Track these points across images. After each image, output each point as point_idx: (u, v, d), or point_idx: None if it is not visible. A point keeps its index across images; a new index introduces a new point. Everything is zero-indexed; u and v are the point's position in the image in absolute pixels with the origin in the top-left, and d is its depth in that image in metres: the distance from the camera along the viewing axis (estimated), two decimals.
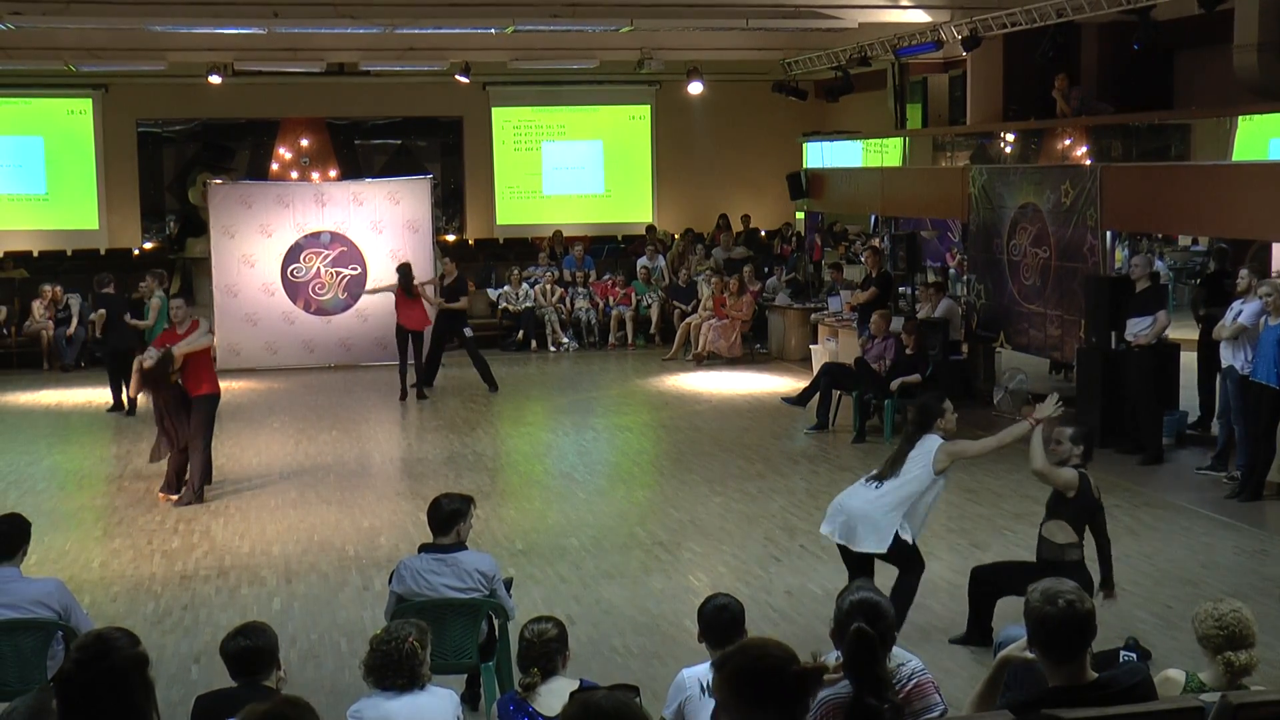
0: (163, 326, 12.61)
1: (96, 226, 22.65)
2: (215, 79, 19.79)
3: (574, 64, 20.39)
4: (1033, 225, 14.72)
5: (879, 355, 14.11)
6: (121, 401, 15.41)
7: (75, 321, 18.85)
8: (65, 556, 9.91)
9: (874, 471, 7.80)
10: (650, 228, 23.23)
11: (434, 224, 19.88)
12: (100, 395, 16.04)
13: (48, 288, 19.03)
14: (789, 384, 16.62)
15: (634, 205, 24.15)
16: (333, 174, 23.11)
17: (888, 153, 19.29)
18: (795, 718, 3.24)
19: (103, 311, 15.69)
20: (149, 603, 8.88)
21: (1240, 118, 12.45)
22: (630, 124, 24.18)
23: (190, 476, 11.40)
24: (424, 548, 6.76)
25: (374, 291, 17.44)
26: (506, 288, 20.65)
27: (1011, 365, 15.22)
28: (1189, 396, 13.35)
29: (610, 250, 22.98)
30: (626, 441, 14.33)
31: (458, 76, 20.51)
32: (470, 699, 6.87)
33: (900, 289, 17.09)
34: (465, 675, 6.99)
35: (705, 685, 5.03)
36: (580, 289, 20.89)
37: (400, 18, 15.69)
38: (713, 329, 18.70)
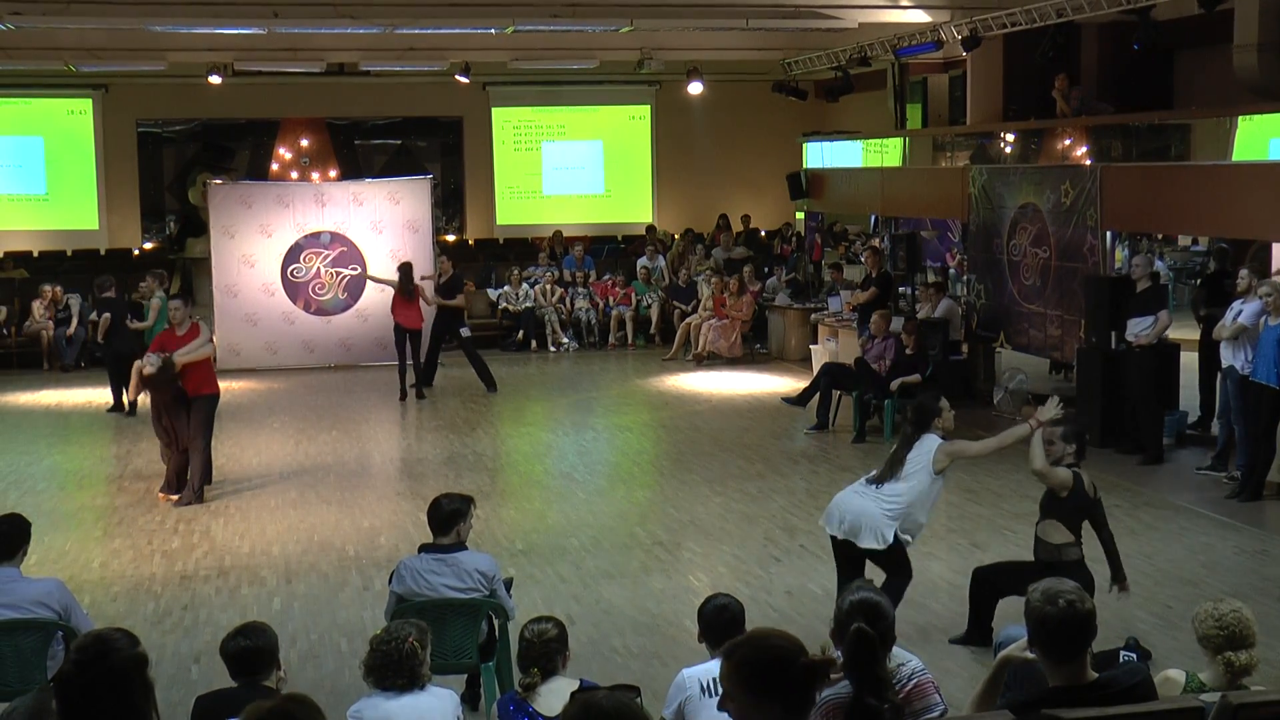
0: (162, 326, 12.58)
1: (96, 227, 22.66)
2: (215, 79, 19.79)
3: (574, 64, 20.39)
4: (1033, 225, 14.72)
5: (879, 355, 14.11)
6: (122, 403, 15.41)
7: (75, 322, 18.84)
8: (65, 556, 9.91)
9: (873, 473, 7.79)
10: (650, 228, 23.23)
11: (434, 224, 19.88)
12: (100, 395, 16.04)
13: (48, 288, 19.03)
14: (789, 384, 16.62)
15: (634, 205, 24.15)
16: (333, 174, 23.12)
17: (888, 153, 19.29)
18: (801, 711, 3.24)
19: (107, 316, 15.64)
20: (149, 603, 8.88)
21: (1240, 118, 12.46)
22: (630, 124, 24.19)
23: (190, 477, 11.40)
24: (424, 548, 6.76)
25: (376, 280, 17.32)
26: (506, 288, 20.65)
27: (1011, 365, 15.22)
28: (1189, 396, 13.36)
29: (610, 250, 22.98)
30: (626, 441, 14.33)
31: (458, 76, 20.51)
32: (470, 699, 6.87)
33: (900, 289, 17.10)
34: (465, 675, 6.99)
35: (705, 685, 5.03)
36: (580, 289, 20.89)
37: (400, 18, 15.69)
38: (713, 329, 18.70)
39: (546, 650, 5.26)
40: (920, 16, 15.91)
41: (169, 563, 9.76)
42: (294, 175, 22.83)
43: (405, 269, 16.46)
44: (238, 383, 17.20)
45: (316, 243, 18.94)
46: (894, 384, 13.57)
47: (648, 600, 8.78)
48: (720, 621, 5.35)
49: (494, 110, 23.56)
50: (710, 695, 4.99)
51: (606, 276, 21.35)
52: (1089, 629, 4.18)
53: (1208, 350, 12.62)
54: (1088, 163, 14.26)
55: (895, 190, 18.72)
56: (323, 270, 18.96)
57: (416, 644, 5.11)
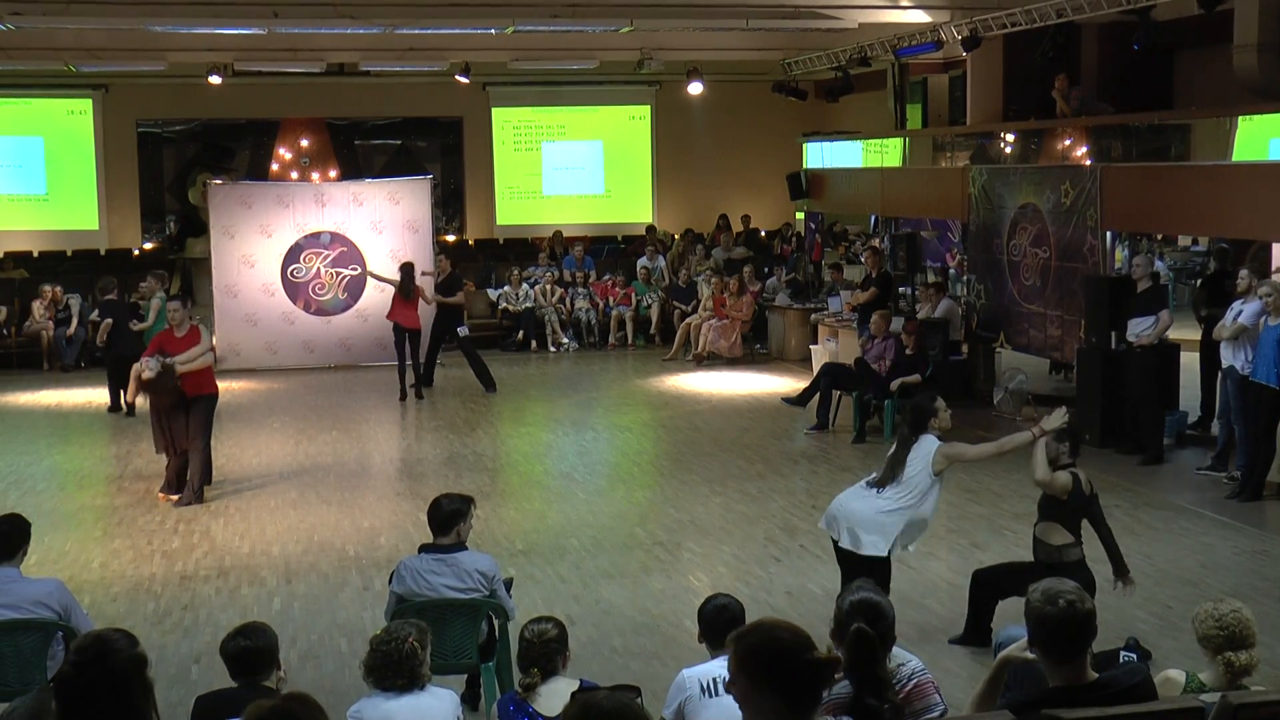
0: (161, 326, 12.55)
1: (96, 227, 22.66)
2: (215, 79, 19.79)
3: (574, 64, 20.39)
4: (1033, 225, 14.72)
5: (879, 355, 14.11)
6: (120, 404, 15.39)
7: (75, 322, 18.84)
8: (65, 557, 9.91)
9: (873, 476, 7.76)
10: (650, 228, 23.23)
11: (434, 224, 19.88)
12: (100, 395, 16.02)
13: (48, 288, 19.02)
14: (789, 384, 16.62)
15: (634, 205, 24.15)
16: (333, 174, 23.13)
17: (888, 153, 19.29)
18: (804, 708, 3.23)
19: (109, 321, 15.60)
20: (149, 603, 8.88)
21: (1240, 118, 12.46)
22: (630, 124, 24.19)
23: (190, 477, 11.39)
24: (424, 548, 6.76)
25: (378, 278, 17.25)
26: (506, 288, 20.65)
27: (1011, 365, 15.22)
28: (1190, 397, 13.35)
29: (610, 250, 22.99)
30: (626, 442, 14.33)
31: (458, 77, 20.52)
32: (470, 699, 6.87)
33: (900, 289, 17.10)
34: (465, 675, 6.99)
35: (705, 685, 5.03)
36: (580, 289, 20.89)
37: (400, 18, 15.69)
38: (713, 329, 18.70)
39: (546, 650, 5.26)
40: (920, 17, 15.91)
41: (169, 563, 9.76)
42: (294, 175, 22.84)
43: (407, 269, 16.46)
44: (238, 383, 17.20)
45: (316, 243, 18.94)
46: (894, 384, 13.57)
47: (648, 600, 8.78)
48: (720, 622, 5.34)
49: (494, 110, 23.57)
50: (710, 695, 4.99)
51: (606, 276, 21.35)
52: (1089, 629, 4.18)
53: (1209, 351, 12.62)
54: (1088, 163, 14.26)
55: (895, 190, 18.72)
56: (323, 270, 18.96)
57: (416, 644, 5.11)
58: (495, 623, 6.79)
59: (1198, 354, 13.28)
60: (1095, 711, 4.07)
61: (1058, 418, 7.39)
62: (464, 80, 20.65)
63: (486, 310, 20.75)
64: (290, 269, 18.88)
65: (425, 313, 16.66)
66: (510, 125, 23.76)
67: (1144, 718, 4.20)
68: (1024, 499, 10.57)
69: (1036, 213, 14.64)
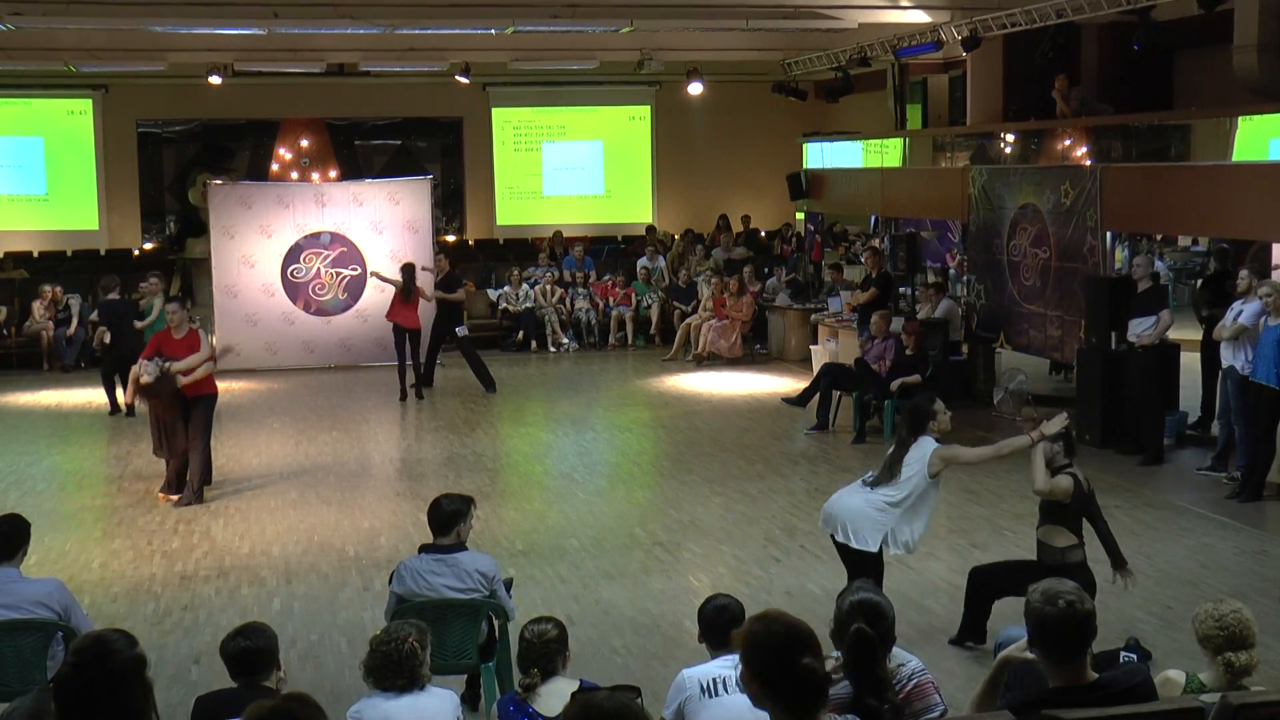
0: (161, 325, 12.48)
1: (96, 227, 22.66)
2: (215, 79, 19.80)
3: (574, 64, 20.39)
4: (1033, 226, 14.72)
5: (879, 356, 14.11)
6: (119, 406, 15.35)
7: (75, 322, 18.84)
8: (65, 557, 9.90)
9: (869, 475, 7.76)
10: (650, 228, 23.23)
11: (434, 224, 19.88)
12: (100, 396, 15.98)
13: (48, 288, 19.02)
14: (789, 384, 16.62)
15: (634, 206, 24.16)
16: (333, 174, 23.13)
17: (888, 153, 19.30)
18: (801, 703, 3.25)
19: (104, 329, 15.52)
20: (149, 603, 8.87)
21: (1240, 118, 12.46)
22: (630, 124, 24.19)
23: (190, 477, 11.39)
24: (424, 548, 6.76)
25: (381, 277, 17.12)
26: (506, 288, 20.65)
27: (1011, 366, 15.22)
28: (1190, 397, 13.35)
29: (610, 251, 22.99)
30: (626, 442, 14.33)
31: (458, 77, 20.53)
32: (470, 699, 6.87)
33: (900, 289, 17.10)
34: (465, 676, 6.99)
35: (705, 686, 5.03)
36: (580, 289, 20.89)
37: (400, 18, 15.69)
38: (713, 329, 18.71)
39: (546, 651, 5.26)
40: (920, 17, 15.92)
41: (169, 563, 9.76)
42: (294, 176, 22.84)
43: (408, 270, 16.45)
44: (238, 383, 17.20)
45: (316, 243, 18.94)
46: (894, 384, 13.56)
47: (648, 601, 8.78)
48: (720, 622, 5.34)
49: (494, 111, 23.57)
50: (710, 695, 4.99)
51: (606, 277, 21.36)
52: (1089, 630, 4.18)
53: (1210, 351, 12.61)
54: (1088, 163, 14.26)
55: (895, 191, 18.72)
56: (323, 270, 18.96)
57: (416, 644, 5.11)
58: (495, 623, 6.79)
59: (1198, 354, 13.28)
60: (1095, 712, 4.07)
61: (1057, 423, 7.31)
62: (464, 80, 20.66)
63: (486, 310, 20.75)
64: (290, 269, 18.88)
65: (425, 313, 16.65)
66: (510, 125, 23.77)
67: (1144, 718, 4.20)
68: (1024, 499, 10.56)
69: (1036, 213, 14.64)
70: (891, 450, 7.76)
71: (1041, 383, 15.73)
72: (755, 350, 19.36)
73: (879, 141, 19.55)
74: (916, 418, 7.68)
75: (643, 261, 21.28)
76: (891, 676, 4.55)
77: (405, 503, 11.44)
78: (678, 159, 23.95)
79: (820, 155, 20.79)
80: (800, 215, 22.39)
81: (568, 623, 5.71)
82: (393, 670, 5.08)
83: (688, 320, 19.35)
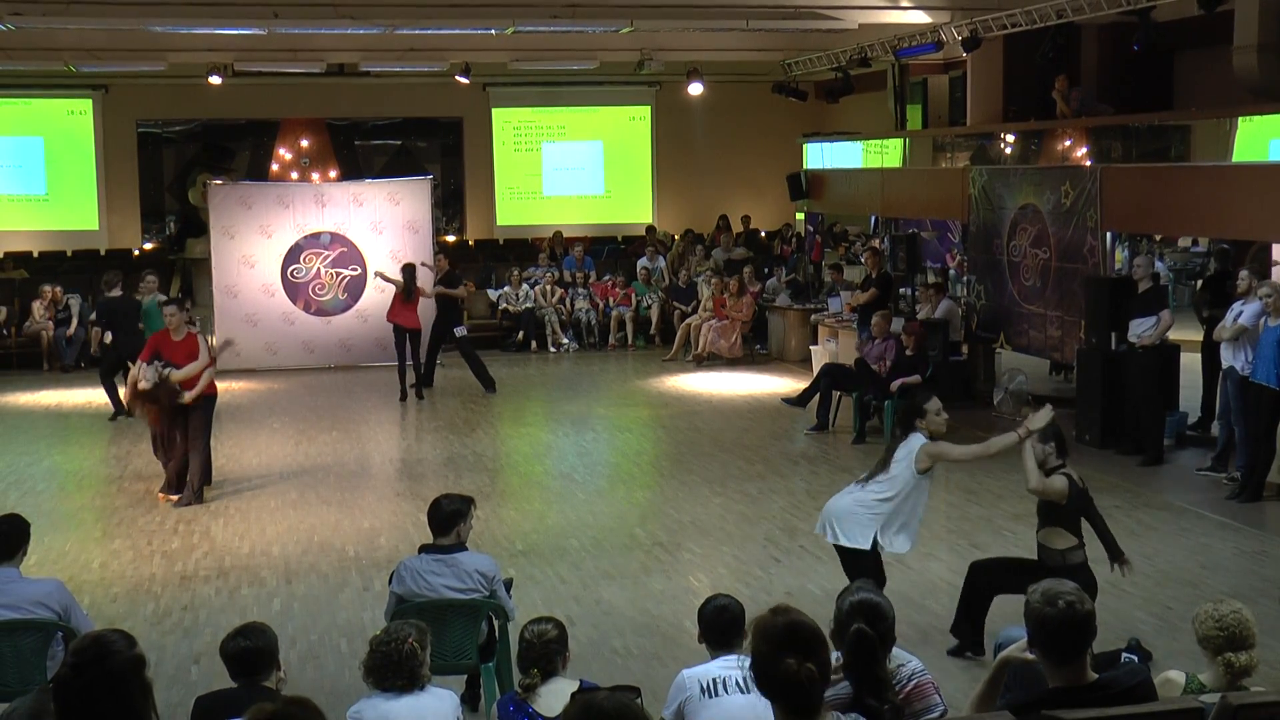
0: (160, 325, 12.41)
1: (96, 227, 22.66)
2: (215, 79, 19.80)
3: (574, 65, 20.40)
4: (1033, 226, 14.72)
5: (879, 356, 14.11)
6: (122, 408, 15.28)
7: (75, 322, 18.84)
8: (65, 557, 9.90)
9: (863, 476, 7.78)
10: (650, 228, 23.24)
11: (434, 225, 19.87)
12: (100, 396, 15.96)
13: (47, 288, 19.02)
14: (789, 385, 16.62)
15: (634, 206, 24.16)
16: (333, 175, 23.13)
17: (888, 153, 19.30)
18: (788, 702, 3.26)
19: (98, 330, 15.45)
20: (149, 603, 8.87)
21: (1240, 119, 12.46)
22: (630, 125, 24.20)
23: (190, 477, 11.39)
24: (424, 548, 6.75)
25: (384, 277, 16.99)
26: (506, 288, 20.64)
27: (1011, 366, 15.22)
28: (1191, 397, 13.35)
29: (610, 251, 23.00)
30: (626, 442, 14.33)
31: (458, 77, 20.53)
32: (470, 700, 6.87)
33: (900, 290, 17.09)
34: (465, 676, 6.99)
35: (705, 686, 5.03)
36: (580, 290, 20.89)
37: (400, 18, 15.69)
38: (713, 330, 18.71)
39: (546, 651, 5.26)
40: (920, 17, 15.92)
41: (169, 563, 9.76)
42: (294, 176, 22.83)
43: (408, 270, 16.45)
44: (237, 383, 17.20)
45: (316, 243, 18.94)
46: (894, 385, 13.56)
47: (648, 601, 8.78)
48: (720, 622, 5.34)
49: (494, 111, 23.57)
50: (710, 696, 4.99)
51: (606, 277, 21.35)
52: (1089, 630, 4.18)
53: (1210, 351, 12.61)
54: (1088, 164, 14.26)
55: (895, 191, 18.73)
56: (323, 271, 18.95)
57: (416, 645, 5.11)
58: (495, 623, 6.79)
59: (1199, 354, 13.28)
60: (1095, 712, 4.07)
61: (1043, 417, 7.27)
62: (464, 81, 20.66)
63: (486, 311, 20.75)
64: (290, 269, 18.88)
65: (425, 314, 16.64)
66: (510, 126, 23.77)
67: (1144, 718, 4.20)
68: (1023, 500, 10.54)
69: (1036, 213, 14.64)
70: (886, 446, 7.79)
71: (1041, 383, 15.73)
72: (755, 350, 19.36)
73: (879, 142, 19.56)
74: (908, 414, 7.72)
75: (643, 262, 21.28)
76: (891, 677, 4.55)
77: (405, 503, 11.44)
78: (678, 159, 23.95)
79: (820, 155, 20.79)
80: (800, 215, 22.40)
81: (568, 623, 5.71)
82: (392, 670, 5.08)
83: (688, 320, 19.35)
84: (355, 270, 18.88)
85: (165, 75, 20.40)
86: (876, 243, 19.23)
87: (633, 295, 20.61)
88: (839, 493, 7.86)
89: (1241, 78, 12.71)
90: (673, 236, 23.54)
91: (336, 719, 5.37)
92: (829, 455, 13.15)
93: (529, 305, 20.40)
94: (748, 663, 3.50)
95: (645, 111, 24.10)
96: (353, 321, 18.96)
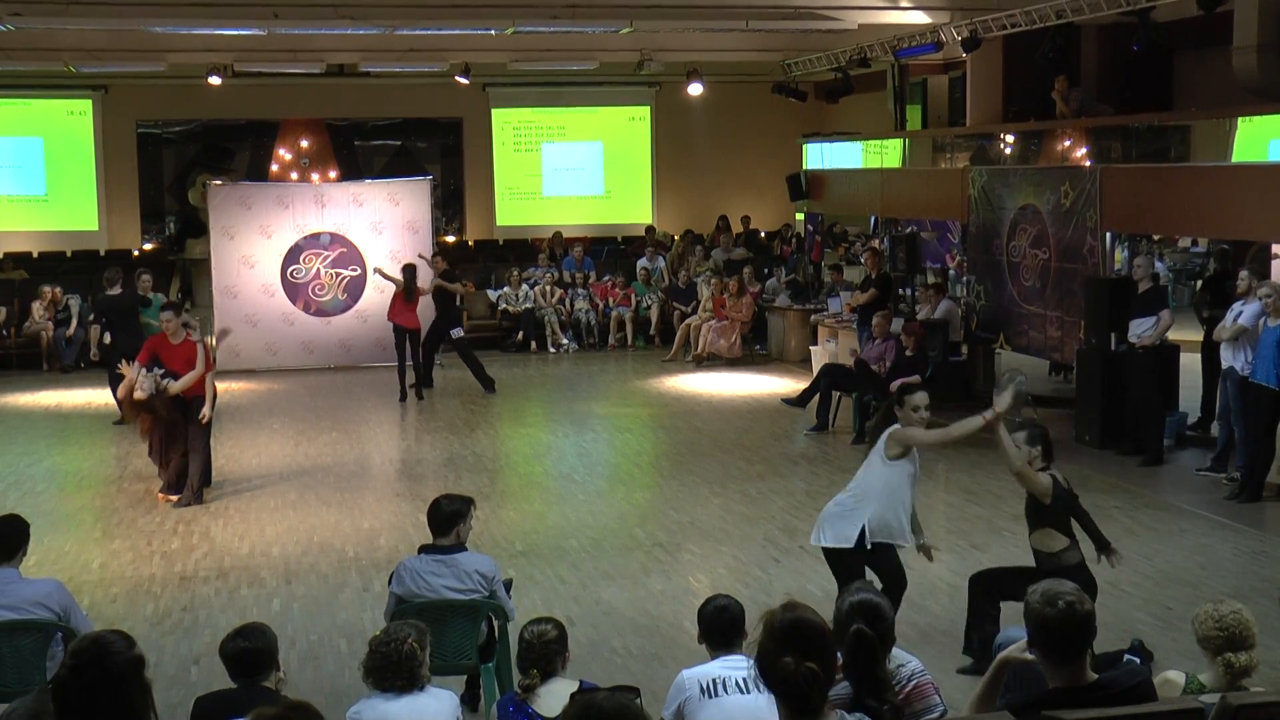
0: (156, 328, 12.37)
1: (96, 228, 22.67)
2: (215, 80, 19.80)
3: (574, 65, 20.41)
4: (1032, 226, 14.72)
5: (879, 356, 14.11)
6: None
7: (75, 322, 18.84)
8: (65, 558, 9.90)
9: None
10: (650, 229, 23.24)
11: (434, 225, 19.87)
12: (100, 396, 15.93)
13: (47, 289, 19.02)
14: (789, 385, 16.62)
15: (634, 206, 24.16)
16: (332, 175, 23.12)
17: (887, 154, 19.30)
18: (787, 700, 3.26)
19: (98, 328, 15.42)
20: (148, 604, 8.87)
21: (1240, 119, 12.46)
22: (630, 125, 24.20)
23: (190, 478, 11.39)
24: (424, 549, 6.75)
25: (385, 275, 17.02)
26: (506, 289, 20.64)
27: (1011, 367, 15.18)
28: (1190, 398, 13.35)
29: (610, 251, 22.99)
30: (626, 443, 14.33)
31: (458, 78, 20.53)
32: (470, 700, 6.87)
33: (900, 290, 17.09)
34: (465, 676, 6.99)
35: (705, 686, 5.02)
36: (580, 290, 20.89)
37: (400, 19, 15.69)
38: (712, 330, 18.71)
39: (546, 651, 5.26)
40: (920, 18, 15.92)
41: (168, 564, 9.76)
42: (294, 176, 22.83)
43: (409, 271, 16.44)
44: (237, 384, 17.20)
45: (316, 244, 18.94)
46: (893, 385, 13.54)
47: (647, 602, 8.78)
48: (720, 623, 5.33)
49: (494, 111, 23.58)
50: (710, 696, 4.99)
51: (606, 277, 21.35)
52: (1088, 630, 4.18)
53: (1210, 352, 12.61)
54: (1087, 164, 14.26)
55: (895, 191, 18.72)
56: (322, 271, 18.96)
57: (415, 645, 5.11)
58: (495, 624, 6.79)
59: (1199, 355, 13.28)
60: (1095, 713, 4.07)
61: (1007, 398, 7.23)
62: (464, 81, 20.67)
63: (486, 311, 20.74)
64: (290, 270, 18.88)
65: (425, 314, 16.63)
66: (510, 126, 23.78)
67: (1144, 719, 4.20)
68: (1023, 500, 10.55)
69: (1036, 214, 14.64)
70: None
71: (1041, 383, 15.72)
72: (755, 351, 19.35)
73: (879, 142, 19.56)
74: (890, 407, 7.72)
75: (642, 262, 21.28)
76: (891, 677, 4.55)
77: (405, 503, 11.44)
78: (677, 160, 23.96)
79: (820, 156, 20.79)
80: (800, 216, 22.40)
81: (567, 623, 5.71)
82: (392, 671, 5.08)
83: (687, 321, 19.35)
84: (355, 271, 18.88)
85: (165, 75, 20.40)
86: (876, 243, 19.23)
87: (632, 296, 20.61)
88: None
89: (1241, 78, 12.71)
90: (672, 237, 23.54)
91: (336, 719, 5.38)
92: (829, 456, 13.14)
93: (529, 306, 20.40)
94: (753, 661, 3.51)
95: (645, 112, 24.10)
96: (352, 322, 18.96)
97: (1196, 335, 13.52)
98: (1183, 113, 14.78)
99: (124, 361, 11.42)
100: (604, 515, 11.09)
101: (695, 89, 20.96)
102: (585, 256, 21.84)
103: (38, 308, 18.93)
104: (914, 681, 4.82)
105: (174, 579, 9.40)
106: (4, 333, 19.14)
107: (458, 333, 16.82)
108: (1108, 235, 13.98)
